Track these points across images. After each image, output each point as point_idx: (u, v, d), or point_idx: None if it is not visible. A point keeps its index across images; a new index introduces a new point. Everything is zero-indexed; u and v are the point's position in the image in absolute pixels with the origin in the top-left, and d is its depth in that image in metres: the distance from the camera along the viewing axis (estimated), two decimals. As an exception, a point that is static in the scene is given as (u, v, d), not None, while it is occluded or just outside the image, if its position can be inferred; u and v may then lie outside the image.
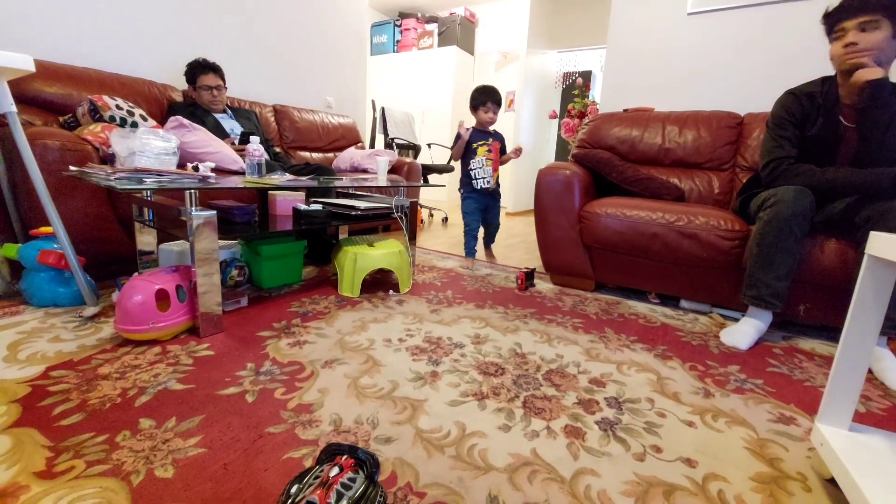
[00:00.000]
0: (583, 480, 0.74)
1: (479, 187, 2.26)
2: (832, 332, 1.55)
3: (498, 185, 2.33)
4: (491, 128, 2.33)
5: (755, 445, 0.87)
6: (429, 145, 4.36)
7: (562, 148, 4.98)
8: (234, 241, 1.73)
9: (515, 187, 4.68)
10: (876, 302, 0.71)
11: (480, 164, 2.24)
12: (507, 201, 4.78)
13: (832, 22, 1.34)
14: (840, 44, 1.31)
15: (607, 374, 1.13)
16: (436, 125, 4.94)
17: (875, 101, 1.26)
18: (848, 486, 0.65)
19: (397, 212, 1.79)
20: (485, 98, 2.22)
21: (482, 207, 2.34)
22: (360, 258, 1.61)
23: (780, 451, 0.85)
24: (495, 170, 2.27)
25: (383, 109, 3.53)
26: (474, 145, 2.23)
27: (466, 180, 2.29)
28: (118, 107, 1.72)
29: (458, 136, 2.25)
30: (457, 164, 2.45)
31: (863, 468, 0.66)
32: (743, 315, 1.47)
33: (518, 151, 2.31)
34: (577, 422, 0.91)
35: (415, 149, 3.71)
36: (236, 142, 2.08)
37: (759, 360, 1.27)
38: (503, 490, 0.71)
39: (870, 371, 1.22)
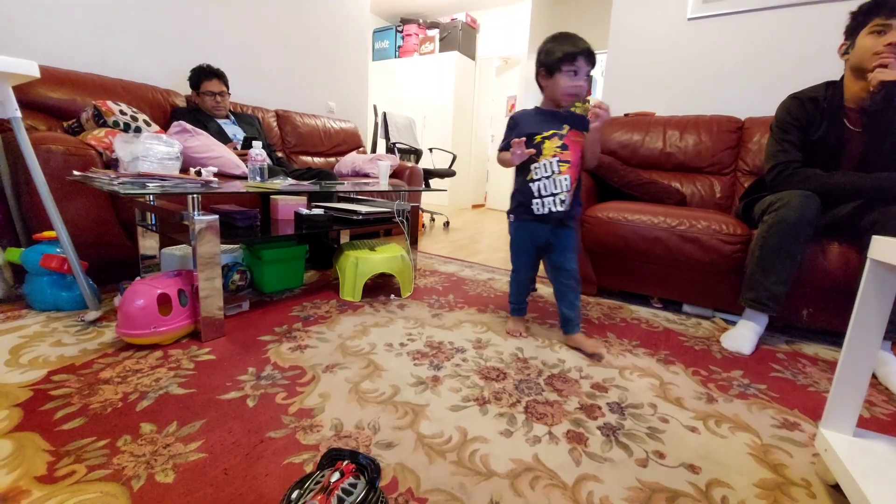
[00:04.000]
0: (585, 486, 0.73)
1: (537, 211, 1.27)
2: (836, 337, 1.54)
3: (574, 205, 1.30)
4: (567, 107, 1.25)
5: (759, 451, 0.86)
6: (430, 150, 4.38)
7: (563, 152, 4.99)
8: (236, 246, 1.73)
9: (517, 191, 4.68)
10: (879, 306, 0.71)
11: (547, 170, 1.24)
12: (509, 205, 4.79)
13: (875, 15, 1.26)
14: (881, 40, 1.24)
15: (609, 378, 1.13)
16: (437, 130, 4.96)
17: (889, 104, 1.25)
18: (852, 492, 0.64)
19: (399, 216, 1.79)
20: (572, 51, 1.16)
21: (539, 244, 1.33)
22: (361, 262, 1.61)
23: (784, 457, 0.85)
24: (574, 180, 1.26)
25: (385, 114, 3.55)
26: (537, 139, 1.24)
27: (520, 199, 1.32)
28: (122, 112, 1.73)
29: (509, 134, 1.31)
30: (507, 172, 1.63)
31: (867, 474, 0.66)
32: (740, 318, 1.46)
33: (598, 113, 1.17)
34: (579, 427, 0.90)
35: (416, 153, 3.72)
36: (239, 147, 2.10)
37: (762, 365, 1.27)
38: (505, 496, 0.70)
39: (874, 376, 1.21)
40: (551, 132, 1.24)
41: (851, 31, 1.34)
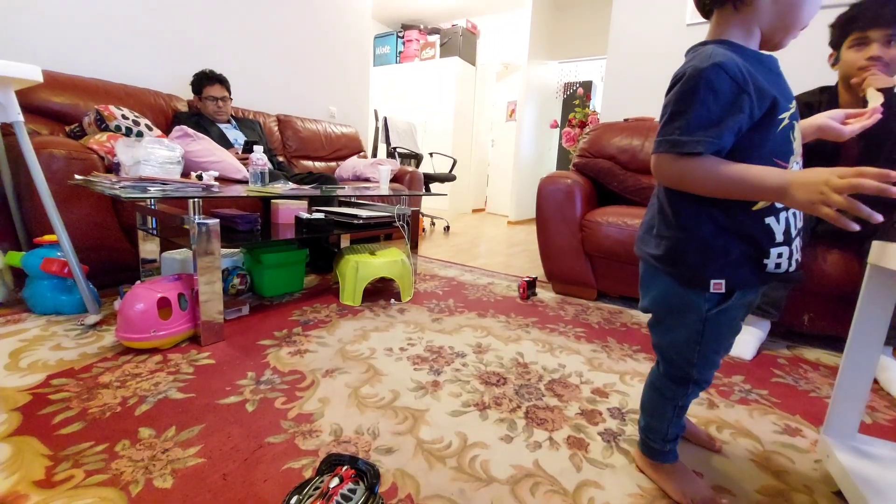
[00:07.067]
0: (586, 492, 0.73)
1: (778, 268, 0.61)
2: (837, 342, 1.53)
3: None
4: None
5: (761, 457, 0.85)
6: (431, 154, 4.39)
7: (563, 157, 5.00)
8: (236, 250, 1.73)
9: (517, 196, 4.69)
10: (880, 311, 0.71)
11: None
12: (509, 210, 4.80)
13: (852, 28, 1.26)
14: (861, 54, 1.24)
15: (610, 384, 1.12)
16: (438, 135, 4.98)
17: (882, 114, 1.25)
18: (854, 498, 0.64)
19: (399, 220, 1.80)
20: None
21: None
22: (361, 267, 1.61)
23: (786, 463, 0.84)
24: None
25: (385, 119, 3.56)
26: (784, 118, 0.60)
27: (740, 249, 0.61)
28: (124, 116, 1.74)
29: (725, 106, 0.56)
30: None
31: (869, 480, 0.65)
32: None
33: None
34: (579, 433, 0.90)
35: (417, 158, 3.73)
36: (240, 151, 2.10)
37: (763, 371, 1.26)
38: (505, 502, 0.70)
39: (876, 381, 1.21)
40: (793, 105, 0.64)
41: (835, 44, 1.35)
